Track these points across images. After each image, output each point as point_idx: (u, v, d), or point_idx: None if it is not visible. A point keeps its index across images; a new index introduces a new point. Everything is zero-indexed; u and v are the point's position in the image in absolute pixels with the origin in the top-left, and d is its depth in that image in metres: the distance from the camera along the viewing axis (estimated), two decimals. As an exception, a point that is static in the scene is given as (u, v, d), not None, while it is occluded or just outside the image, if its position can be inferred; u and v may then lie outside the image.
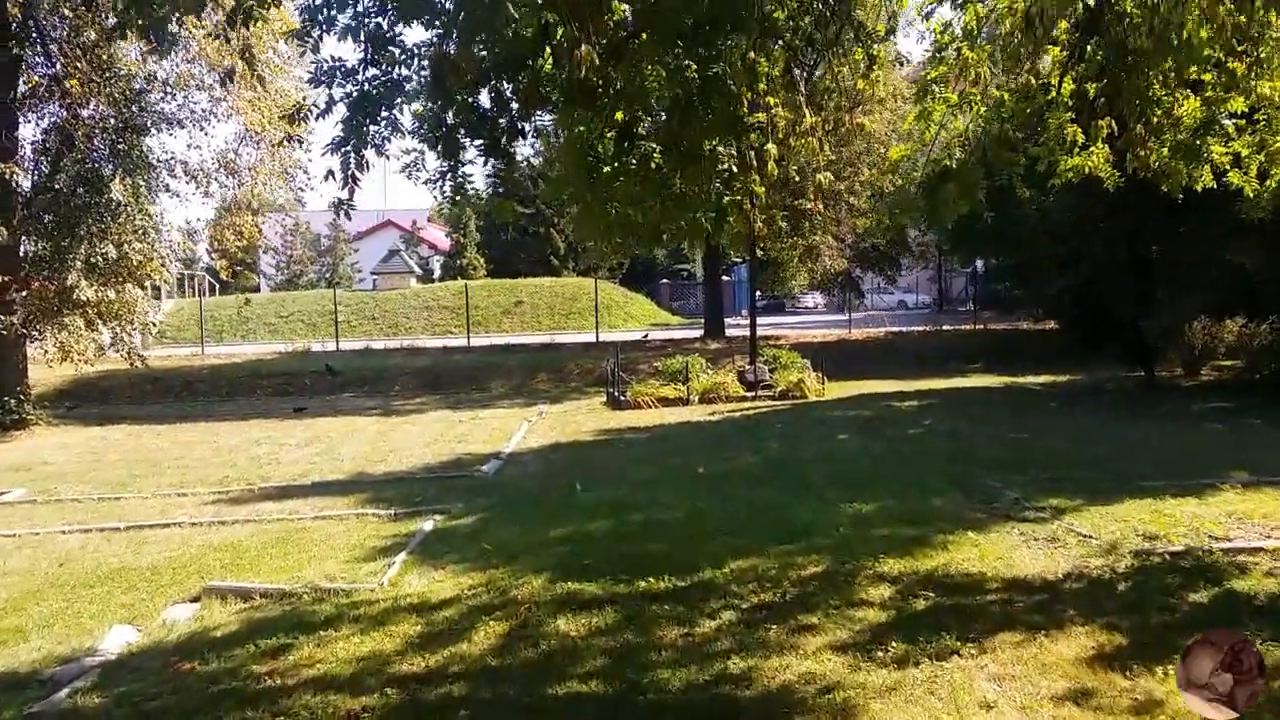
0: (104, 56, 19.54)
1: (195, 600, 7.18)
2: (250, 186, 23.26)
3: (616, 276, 60.71)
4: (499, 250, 62.88)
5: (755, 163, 6.63)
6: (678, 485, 10.88)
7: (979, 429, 14.69)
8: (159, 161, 21.48)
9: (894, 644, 5.49)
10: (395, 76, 5.61)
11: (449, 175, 5.79)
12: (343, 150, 5.67)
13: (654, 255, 67.34)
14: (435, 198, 5.68)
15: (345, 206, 5.85)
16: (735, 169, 6.60)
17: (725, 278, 55.94)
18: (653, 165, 6.22)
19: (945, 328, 30.82)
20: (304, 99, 8.36)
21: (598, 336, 32.13)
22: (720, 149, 6.55)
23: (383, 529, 9.50)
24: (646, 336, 33.57)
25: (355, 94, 5.65)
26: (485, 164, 5.83)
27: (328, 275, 60.27)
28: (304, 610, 6.69)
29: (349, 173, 5.77)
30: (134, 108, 20.13)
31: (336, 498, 11.41)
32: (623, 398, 20.51)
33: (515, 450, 14.73)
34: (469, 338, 32.74)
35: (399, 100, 5.71)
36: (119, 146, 20.04)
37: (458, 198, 5.78)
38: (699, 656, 5.48)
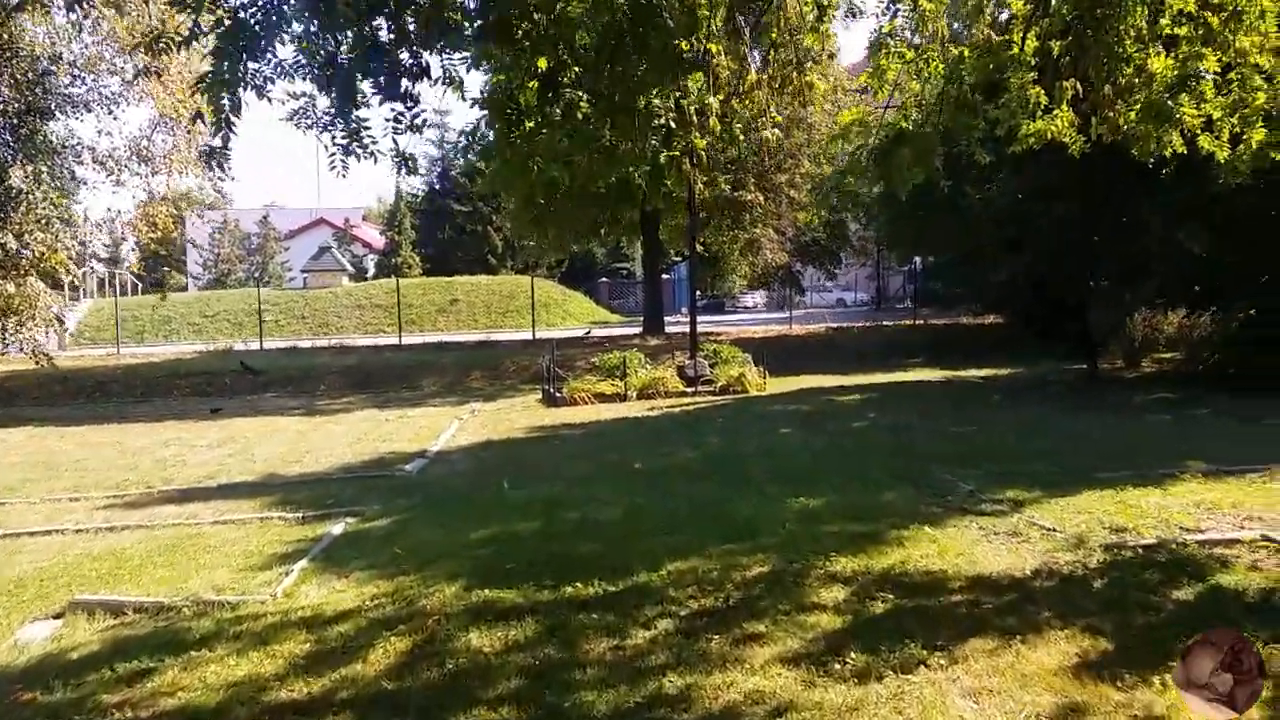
0: (4, 36, 18.28)
1: (59, 617, 6.28)
2: (165, 175, 22.04)
3: (555, 275, 59.82)
4: (436, 249, 61.63)
5: (695, 117, 5.92)
6: (614, 482, 10.15)
7: (924, 422, 14.18)
8: (64, 147, 20.21)
9: (853, 654, 4.82)
10: (275, 2, 4.81)
11: (341, 123, 4.98)
12: (214, 89, 4.86)
13: (593, 253, 66.69)
14: (326, 147, 4.84)
15: (219, 157, 5.04)
16: (673, 124, 5.88)
17: (665, 276, 55.44)
18: (579, 115, 5.48)
19: (886, 323, 30.53)
20: (163, 24, 7.45)
21: (534, 334, 31.31)
22: (656, 101, 5.83)
23: (287, 533, 8.62)
24: (588, 333, 32.87)
25: (228, 23, 4.83)
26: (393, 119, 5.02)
27: (257, 274, 58.50)
28: (179, 627, 5.83)
29: (222, 116, 4.95)
30: (38, 90, 18.87)
31: (242, 500, 10.49)
32: (559, 394, 19.74)
33: (444, 449, 13.88)
34: (400, 336, 31.64)
35: (281, 32, 4.91)
36: (20, 131, 18.78)
37: (354, 148, 4.97)
38: (630, 674, 4.75)
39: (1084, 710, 4.05)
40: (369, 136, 4.94)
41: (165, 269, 65.04)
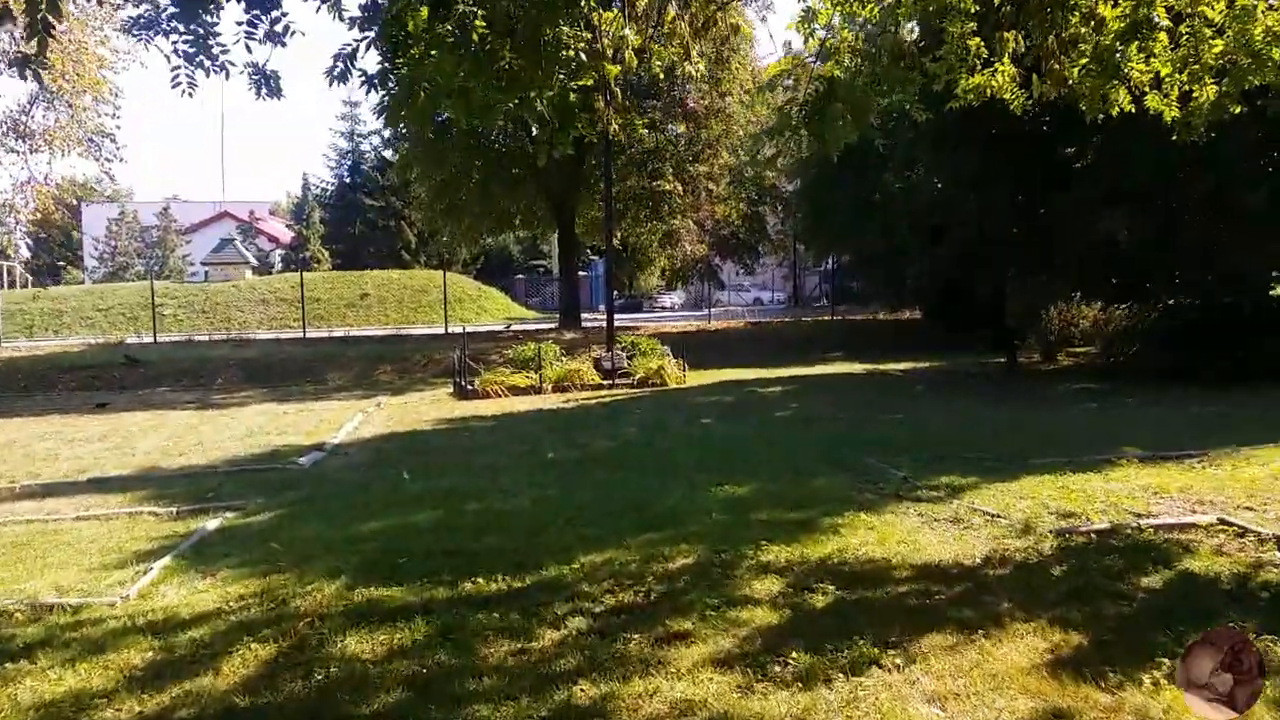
0: None
1: None
2: (47, 153, 20.56)
3: (471, 272, 58.60)
4: (347, 244, 59.82)
5: (609, 50, 5.22)
6: (524, 472, 9.39)
7: (849, 413, 13.71)
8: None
9: (794, 654, 4.16)
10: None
11: (183, 26, 4.14)
12: (26, -18, 3.99)
13: (510, 251, 65.65)
14: (168, 59, 4.00)
15: (34, 65, 4.16)
16: (584, 55, 5.16)
17: (582, 273, 54.73)
18: (475, 38, 4.72)
19: (804, 319, 30.30)
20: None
21: (447, 327, 30.29)
22: (566, 29, 5.11)
23: (156, 529, 7.67)
24: (509, 328, 32.00)
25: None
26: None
27: (157, 268, 55.98)
28: (2, 635, 4.92)
29: (37, 16, 4.07)
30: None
31: (112, 495, 9.45)
32: (470, 387, 18.85)
33: (343, 441, 12.93)
34: (304, 329, 30.27)
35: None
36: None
37: (200, 58, 4.13)
38: (534, 682, 4.02)
39: (1069, 715, 3.46)
40: (219, 45, 4.11)
41: (60, 263, 62.01)
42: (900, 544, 6.02)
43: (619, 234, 28.93)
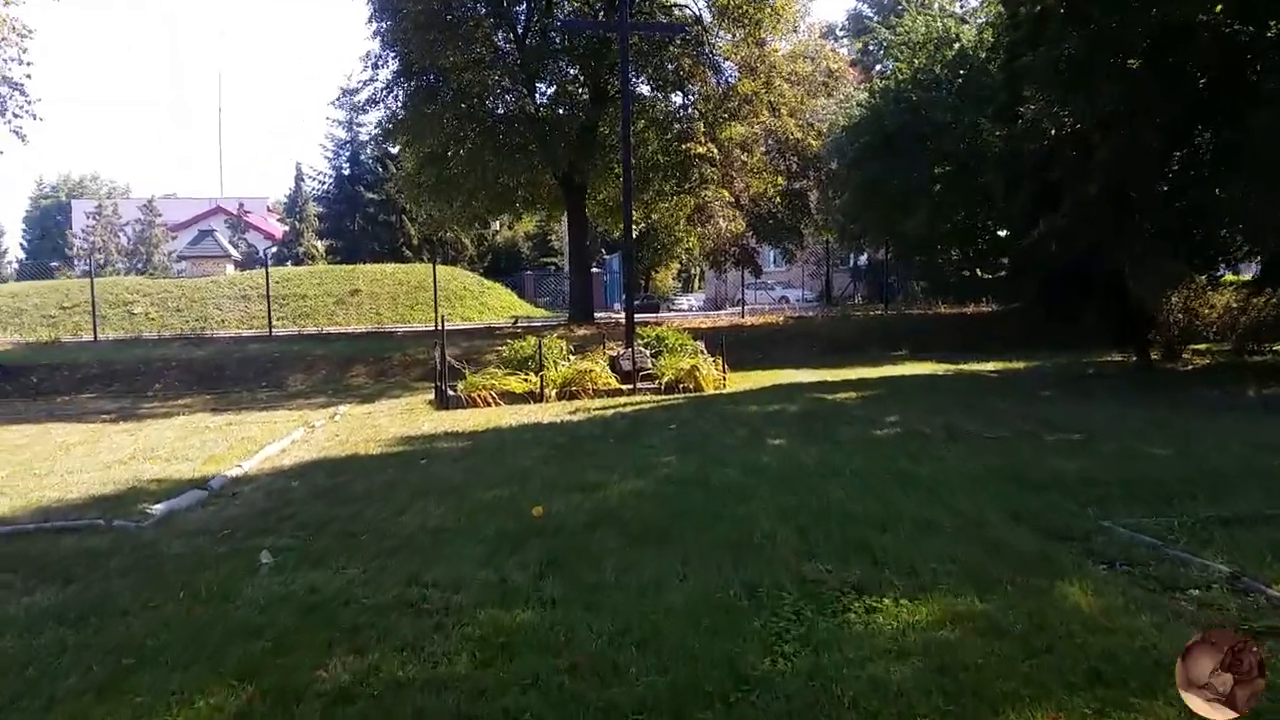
0: None
1: None
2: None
3: (478, 269, 54.61)
4: (347, 240, 55.86)
5: None
6: (483, 549, 5.25)
7: (977, 427, 9.53)
8: None
9: None
10: None
11: None
12: None
13: (519, 248, 61.54)
14: None
15: None
16: None
17: (595, 270, 50.52)
18: None
19: (854, 314, 26.09)
20: None
21: (438, 323, 26.11)
22: None
23: None
24: (516, 321, 27.96)
25: None
26: None
27: (140, 265, 52.15)
28: None
29: None
30: None
31: None
32: (452, 392, 14.77)
33: (245, 474, 8.86)
34: (270, 326, 26.25)
35: None
36: None
37: None
38: None
39: None
40: None
41: (55, 263, 58.31)
42: None
43: (639, 212, 24.86)
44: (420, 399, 15.98)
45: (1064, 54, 13.19)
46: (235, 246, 48.35)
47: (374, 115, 24.14)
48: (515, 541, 5.37)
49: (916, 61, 21.83)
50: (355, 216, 55.73)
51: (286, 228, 55.30)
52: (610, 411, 12.66)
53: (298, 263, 51.23)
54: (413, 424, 12.43)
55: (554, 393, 14.67)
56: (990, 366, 17.64)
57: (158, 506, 7.28)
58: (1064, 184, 14.33)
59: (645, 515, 5.89)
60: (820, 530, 5.34)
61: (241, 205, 54.58)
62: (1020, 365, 17.74)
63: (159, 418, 14.82)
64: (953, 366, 17.72)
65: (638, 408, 13.00)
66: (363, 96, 23.66)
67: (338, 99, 23.51)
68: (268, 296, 26.66)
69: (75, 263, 52.60)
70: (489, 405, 14.25)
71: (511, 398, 14.51)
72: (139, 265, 51.84)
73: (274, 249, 53.10)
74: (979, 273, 25.16)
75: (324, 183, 57.10)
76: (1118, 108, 12.58)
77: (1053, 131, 14.73)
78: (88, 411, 15.91)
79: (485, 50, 22.27)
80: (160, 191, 79.45)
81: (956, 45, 22.20)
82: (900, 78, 21.91)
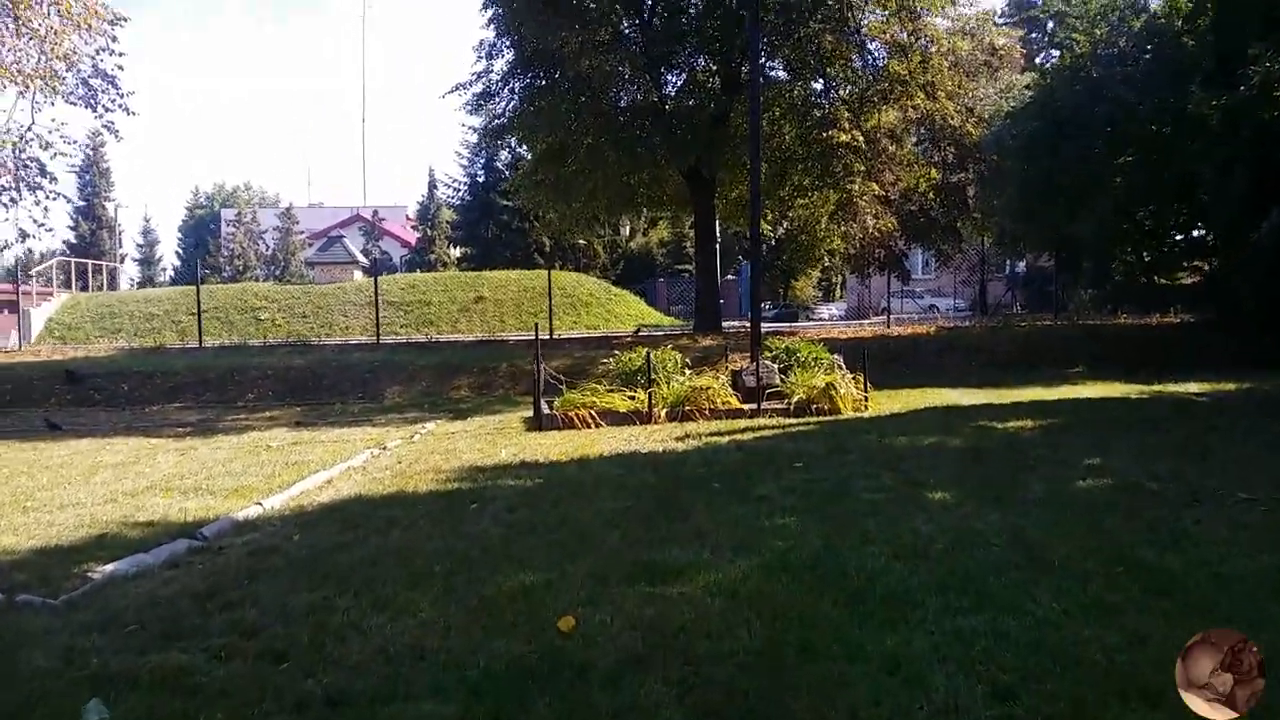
0: None
1: None
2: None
3: (611, 276, 53.11)
4: (479, 246, 55.21)
5: None
6: (451, 715, 3.14)
7: (1225, 480, 6.91)
8: None
9: None
10: None
11: None
12: None
13: (653, 254, 59.70)
14: None
15: None
16: None
17: (730, 277, 48.13)
18: None
19: (1019, 323, 23.03)
20: None
21: (551, 331, 24.48)
22: None
23: None
24: (638, 331, 26.07)
25: None
26: None
27: (277, 272, 52.71)
28: None
29: None
30: None
31: None
32: (548, 410, 12.86)
33: (263, 513, 7.17)
34: (378, 333, 24.99)
35: None
36: None
37: None
38: None
39: None
40: None
41: (207, 270, 59.87)
42: None
43: (773, 211, 22.58)
44: (518, 415, 14.19)
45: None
46: (368, 254, 48.24)
47: (491, 111, 22.35)
48: (508, 691, 3.25)
49: (1097, 32, 18.78)
50: (488, 223, 55.00)
51: (418, 234, 55.03)
52: (725, 438, 10.45)
53: (429, 269, 50.77)
54: (492, 450, 10.51)
55: (664, 412, 12.57)
56: (1193, 388, 14.60)
57: (103, 569, 5.52)
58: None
59: (730, 647, 3.64)
60: (1036, 698, 3.02)
61: (376, 213, 54.56)
62: (1231, 387, 14.62)
63: (233, 432, 13.47)
64: (1145, 387, 14.75)
65: (758, 435, 10.73)
66: (477, 89, 22.04)
67: (454, 90, 21.64)
68: (375, 303, 25.42)
69: (223, 270, 53.64)
70: (588, 426, 12.28)
71: (615, 417, 12.49)
72: (276, 272, 52.40)
73: (406, 256, 52.90)
74: (1157, 279, 21.92)
75: (458, 189, 56.66)
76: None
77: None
78: (168, 423, 14.74)
79: (607, 33, 20.39)
80: (309, 201, 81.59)
81: (1144, 16, 19.10)
82: (1079, 51, 18.87)
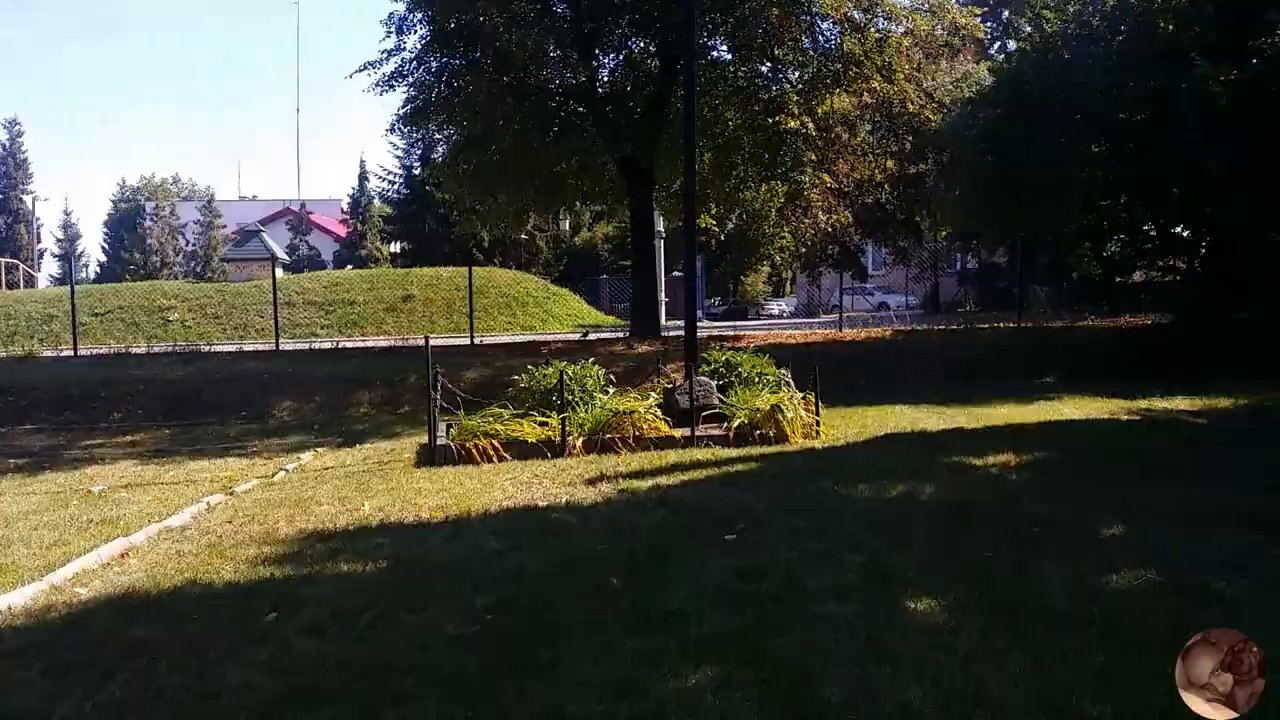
0: None
1: None
2: None
3: (553, 273, 51.02)
4: (417, 242, 52.74)
5: None
6: None
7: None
8: None
9: None
10: None
11: None
12: None
13: (598, 250, 57.51)
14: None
15: None
16: None
17: (677, 274, 46.09)
18: None
19: (980, 325, 21.33)
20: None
21: (472, 336, 22.33)
22: None
23: None
24: (586, 334, 24.09)
25: None
26: None
27: (199, 269, 49.84)
28: None
29: None
30: None
31: None
32: (443, 440, 10.81)
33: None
34: (277, 339, 22.71)
35: None
36: None
37: None
38: None
39: None
40: None
41: (131, 266, 56.77)
42: None
43: (717, 206, 20.62)
44: (415, 442, 12.27)
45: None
46: (294, 249, 45.56)
47: (405, 94, 20.12)
48: None
49: (1071, 8, 17.05)
50: (426, 217, 52.53)
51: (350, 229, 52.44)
52: (647, 482, 8.47)
53: (360, 265, 48.29)
54: (357, 499, 8.43)
55: (580, 442, 10.56)
56: (1181, 404, 12.93)
57: None
58: None
59: None
60: None
61: (303, 205, 51.81)
62: (1226, 403, 12.96)
63: (71, 465, 11.32)
64: (1129, 404, 13.02)
65: (687, 477, 8.76)
66: (388, 69, 19.82)
67: (362, 70, 19.44)
68: (274, 302, 23.08)
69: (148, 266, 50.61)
70: (489, 459, 10.27)
71: (522, 449, 10.48)
72: (197, 269, 49.54)
73: (337, 251, 50.27)
74: (1126, 278, 20.44)
75: (393, 181, 54.18)
76: None
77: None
78: (3, 453, 12.47)
79: (531, 6, 18.31)
80: (240, 194, 78.24)
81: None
82: (1048, 29, 17.12)
